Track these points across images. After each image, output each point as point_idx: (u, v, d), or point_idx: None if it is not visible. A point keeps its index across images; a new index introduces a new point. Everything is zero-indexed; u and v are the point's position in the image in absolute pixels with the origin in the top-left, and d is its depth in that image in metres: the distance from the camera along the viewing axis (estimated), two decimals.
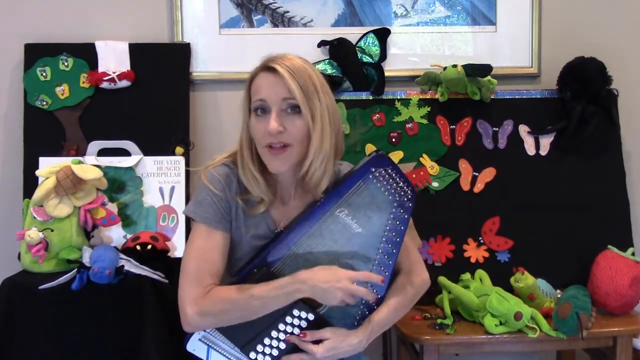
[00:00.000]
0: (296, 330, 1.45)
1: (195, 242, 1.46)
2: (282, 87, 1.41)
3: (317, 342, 1.44)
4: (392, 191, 1.49)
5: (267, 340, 1.45)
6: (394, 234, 1.49)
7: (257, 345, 1.45)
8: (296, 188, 1.54)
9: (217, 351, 1.46)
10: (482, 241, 2.10)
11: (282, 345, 1.45)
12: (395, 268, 1.56)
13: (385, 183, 1.49)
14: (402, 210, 1.50)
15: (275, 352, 1.45)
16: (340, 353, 1.45)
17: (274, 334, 1.45)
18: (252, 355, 1.45)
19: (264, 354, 1.45)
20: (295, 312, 1.44)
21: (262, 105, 1.43)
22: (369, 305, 1.49)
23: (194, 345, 1.46)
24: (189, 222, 2.02)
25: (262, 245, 1.50)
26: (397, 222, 1.50)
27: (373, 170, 1.48)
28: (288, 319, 1.44)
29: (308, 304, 1.45)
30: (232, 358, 1.46)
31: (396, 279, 1.57)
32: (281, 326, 1.45)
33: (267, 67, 1.44)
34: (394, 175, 1.49)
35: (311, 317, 1.45)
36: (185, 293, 1.43)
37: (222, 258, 1.48)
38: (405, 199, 1.50)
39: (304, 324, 1.45)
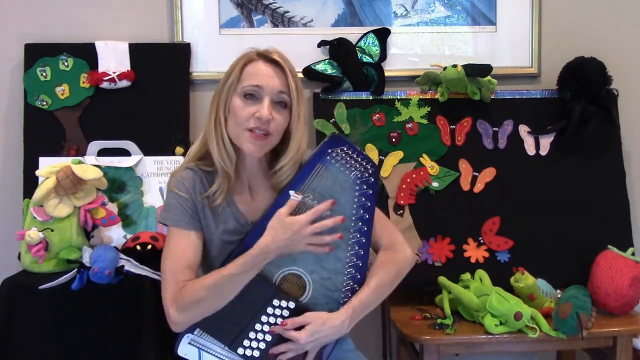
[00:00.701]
0: (279, 321, 1.47)
1: (169, 245, 1.52)
2: (282, 80, 1.48)
3: (299, 328, 1.46)
4: (353, 169, 1.50)
5: (252, 334, 1.47)
6: (362, 211, 1.51)
7: (244, 340, 1.47)
8: (263, 181, 1.57)
9: (208, 352, 1.48)
10: (482, 241, 2.10)
11: (268, 337, 1.47)
12: (375, 245, 1.57)
13: (344, 162, 1.50)
14: (365, 187, 1.51)
15: (262, 345, 1.47)
16: (324, 336, 1.46)
17: (257, 327, 1.47)
18: (240, 350, 1.47)
19: (251, 348, 1.47)
20: (276, 302, 1.47)
21: (255, 91, 1.48)
22: (352, 287, 1.50)
23: (184, 350, 1.48)
24: None
25: (235, 242, 1.52)
26: (364, 199, 1.51)
27: (330, 151, 1.50)
28: (269, 310, 1.47)
29: (290, 293, 1.47)
30: (222, 357, 1.48)
31: (377, 257, 1.57)
32: (264, 318, 1.47)
33: (267, 57, 1.50)
34: (351, 153, 1.50)
35: (292, 305, 1.47)
36: (165, 295, 1.47)
37: (196, 254, 1.52)
38: (367, 175, 1.51)
39: (286, 313, 1.47)
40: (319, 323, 1.45)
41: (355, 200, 1.51)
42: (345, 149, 1.50)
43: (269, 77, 1.48)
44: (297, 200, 1.45)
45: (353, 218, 1.50)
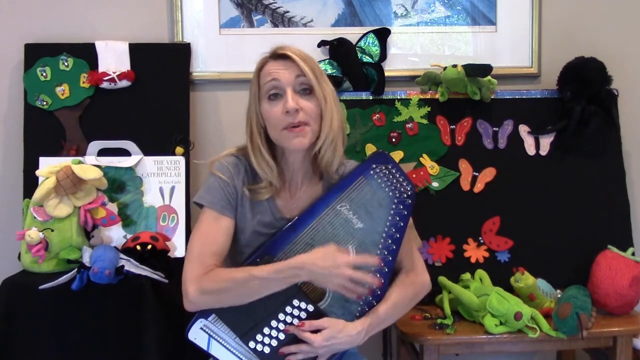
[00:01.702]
0: (295, 321, 1.47)
1: (201, 226, 1.52)
2: (295, 68, 1.49)
3: (315, 332, 1.46)
4: (393, 188, 1.53)
5: (266, 330, 1.47)
6: (394, 230, 1.52)
7: (257, 334, 1.47)
8: (304, 177, 1.58)
9: (218, 341, 1.47)
10: (482, 241, 2.10)
11: (282, 336, 1.47)
12: (396, 267, 1.57)
13: (385, 180, 1.53)
14: (402, 207, 1.53)
15: (274, 343, 1.47)
16: (338, 343, 1.46)
17: (273, 323, 1.47)
18: (252, 344, 1.47)
19: (263, 343, 1.47)
20: (295, 303, 1.47)
21: (276, 86, 1.49)
22: (369, 302, 1.50)
23: (195, 334, 1.47)
24: (189, 222, 2.03)
25: (267, 235, 1.53)
26: (398, 219, 1.52)
27: (374, 166, 1.54)
28: (288, 309, 1.47)
29: (310, 296, 1.47)
30: (231, 348, 1.47)
31: (397, 277, 1.59)
32: (281, 316, 1.47)
33: (276, 54, 1.51)
34: (394, 172, 1.54)
35: (311, 308, 1.47)
36: (187, 272, 1.47)
37: (226, 241, 1.52)
38: (405, 196, 1.53)
39: (303, 315, 1.47)
40: (336, 330, 1.45)
41: (390, 218, 1.53)
42: (389, 167, 1.55)
43: (283, 69, 1.49)
44: (350, 255, 1.44)
45: (384, 235, 1.52)
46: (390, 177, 1.54)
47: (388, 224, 1.52)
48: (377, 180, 1.53)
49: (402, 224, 1.53)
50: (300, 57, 1.49)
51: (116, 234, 1.98)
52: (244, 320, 1.46)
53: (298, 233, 1.48)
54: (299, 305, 1.47)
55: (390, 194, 1.53)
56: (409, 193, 1.54)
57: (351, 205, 1.51)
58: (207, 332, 1.47)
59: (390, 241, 1.52)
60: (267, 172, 1.52)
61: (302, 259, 1.42)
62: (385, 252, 1.52)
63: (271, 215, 1.55)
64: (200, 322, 1.47)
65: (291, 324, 1.47)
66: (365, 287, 1.46)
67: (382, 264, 1.52)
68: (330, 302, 1.49)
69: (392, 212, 1.53)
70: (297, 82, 1.48)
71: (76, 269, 1.68)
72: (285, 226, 1.51)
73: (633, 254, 2.00)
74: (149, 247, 1.83)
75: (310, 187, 1.59)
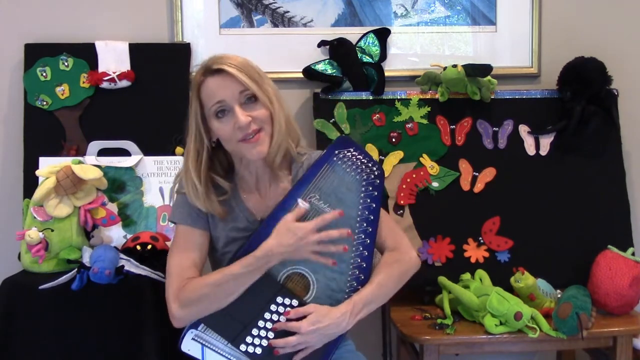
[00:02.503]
0: (282, 318, 1.47)
1: (175, 242, 1.55)
2: (235, 83, 1.47)
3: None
4: (359, 170, 1.53)
5: (255, 331, 1.47)
6: (367, 212, 1.52)
7: (247, 336, 1.47)
8: (270, 177, 1.59)
9: (211, 349, 1.48)
10: (482, 241, 2.10)
11: (271, 335, 1.48)
12: (380, 247, 1.59)
13: (350, 164, 1.53)
14: (371, 188, 1.53)
15: (264, 342, 1.48)
16: (325, 327, 1.46)
17: (260, 323, 1.48)
18: (243, 347, 1.47)
19: (254, 344, 1.47)
20: (279, 300, 1.48)
21: (223, 107, 1.48)
22: (355, 288, 1.51)
23: (188, 345, 1.48)
24: None
25: (243, 238, 1.54)
26: (369, 200, 1.53)
27: (337, 152, 1.53)
28: (273, 307, 1.48)
29: (294, 292, 1.48)
30: (225, 354, 1.48)
31: (382, 257, 1.59)
32: (267, 315, 1.48)
33: (211, 70, 1.49)
34: (357, 154, 1.54)
35: (295, 303, 1.48)
36: (168, 291, 1.49)
37: (201, 253, 1.55)
38: (373, 177, 1.53)
39: (289, 310, 1.48)
40: (321, 314, 1.46)
41: (361, 201, 1.52)
42: (352, 150, 1.54)
43: (224, 87, 1.47)
44: (305, 208, 1.46)
45: (358, 219, 1.52)
46: (354, 159, 1.53)
47: (360, 207, 1.52)
48: (341, 166, 1.52)
49: (374, 205, 1.53)
50: (237, 69, 1.47)
51: (116, 234, 1.98)
52: (233, 324, 1.47)
53: (271, 231, 1.47)
54: (283, 302, 1.48)
55: (357, 177, 1.53)
56: (376, 173, 1.53)
57: (321, 195, 1.50)
58: (199, 342, 1.48)
59: (365, 224, 1.52)
60: (194, 197, 1.51)
61: (266, 245, 1.43)
62: (363, 236, 1.52)
63: (245, 220, 1.56)
64: (191, 333, 1.48)
65: (278, 321, 1.47)
66: (337, 246, 1.46)
67: (361, 247, 1.51)
68: (316, 294, 1.50)
69: (362, 194, 1.52)
70: (241, 96, 1.48)
71: (76, 269, 1.68)
72: (259, 227, 1.51)
73: (633, 254, 2.00)
74: (149, 247, 1.83)
75: (280, 183, 1.59)
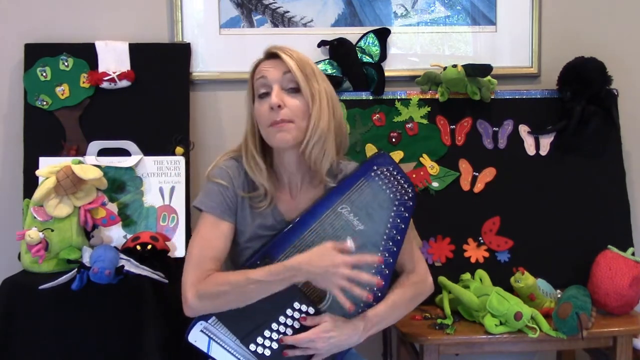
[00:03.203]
0: (296, 324, 1.47)
1: (200, 231, 1.52)
2: (283, 65, 1.49)
3: None
4: (394, 190, 1.52)
5: (267, 333, 1.47)
6: (395, 232, 1.52)
7: (258, 337, 1.47)
8: (303, 179, 1.58)
9: (218, 343, 1.47)
10: (482, 241, 2.10)
11: None
12: (398, 269, 1.58)
13: (387, 181, 1.52)
14: (403, 209, 1.52)
15: (275, 345, 1.47)
16: (336, 339, 1.46)
17: (274, 326, 1.47)
18: (252, 347, 1.46)
19: (263, 346, 1.47)
20: (296, 305, 1.47)
21: (264, 83, 1.50)
22: (369, 304, 1.50)
23: (195, 336, 1.47)
24: (189, 222, 2.03)
25: (267, 236, 1.53)
26: (399, 221, 1.52)
27: (375, 168, 1.53)
28: (289, 312, 1.47)
29: (310, 298, 1.47)
30: (232, 351, 1.47)
31: (398, 278, 1.59)
32: (282, 319, 1.47)
33: (268, 53, 1.54)
34: (395, 174, 1.53)
35: (311, 310, 1.47)
36: (186, 277, 1.47)
37: (225, 246, 1.52)
38: (407, 198, 1.53)
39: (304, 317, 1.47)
40: (334, 324, 1.46)
41: (391, 220, 1.53)
42: (390, 169, 1.54)
43: (272, 67, 1.50)
44: (350, 249, 1.43)
45: (384, 237, 1.52)
46: (392, 178, 1.54)
47: (389, 225, 1.52)
48: (378, 182, 1.53)
49: (402, 226, 1.53)
50: (290, 56, 1.50)
51: (116, 234, 1.98)
52: (245, 322, 1.46)
53: (298, 235, 1.48)
54: (299, 308, 1.47)
55: (392, 195, 1.53)
56: (410, 195, 1.54)
57: (352, 207, 1.50)
58: (207, 335, 1.47)
59: (391, 243, 1.52)
60: (257, 173, 1.52)
61: (298, 259, 1.41)
62: (386, 254, 1.52)
63: (272, 218, 1.55)
64: (200, 325, 1.47)
65: (292, 326, 1.47)
66: (365, 288, 1.45)
67: (383, 265, 1.51)
68: (331, 304, 1.49)
69: (392, 214, 1.52)
70: (284, 79, 1.49)
71: (76, 269, 1.68)
72: (286, 228, 1.50)
73: (633, 254, 2.00)
74: (149, 247, 1.83)
75: (311, 188, 1.58)
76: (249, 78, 1.55)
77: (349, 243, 1.45)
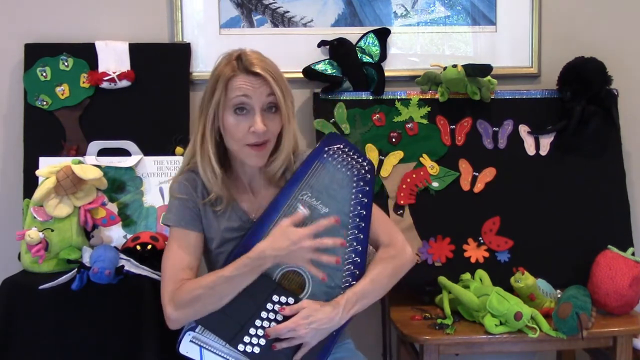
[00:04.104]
0: (279, 316, 1.47)
1: (170, 245, 1.54)
2: (266, 87, 1.48)
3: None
4: (349, 166, 1.53)
5: (252, 331, 1.47)
6: (359, 208, 1.52)
7: (244, 336, 1.47)
8: (263, 180, 1.60)
9: (209, 350, 1.48)
10: (482, 241, 2.10)
11: None
12: (375, 243, 1.59)
13: (340, 160, 1.53)
14: (362, 184, 1.53)
15: (262, 341, 1.47)
16: (317, 321, 1.46)
17: (257, 323, 1.48)
18: (241, 347, 1.47)
19: (251, 344, 1.47)
20: (275, 298, 1.48)
21: (245, 102, 1.48)
22: (351, 284, 1.51)
23: (186, 348, 1.48)
24: None
25: (237, 238, 1.54)
26: (361, 196, 1.53)
27: (327, 149, 1.53)
28: (269, 306, 1.47)
29: (289, 290, 1.48)
30: (223, 355, 1.48)
31: (376, 254, 1.59)
32: (263, 314, 1.47)
33: (248, 70, 1.49)
34: (347, 150, 1.54)
35: (291, 301, 1.48)
36: (163, 293, 1.49)
37: (196, 255, 1.54)
38: (364, 171, 1.53)
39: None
40: (313, 308, 1.46)
41: (353, 197, 1.52)
42: (341, 146, 1.54)
43: (256, 88, 1.48)
44: (303, 214, 1.45)
45: (350, 215, 1.52)
46: (345, 156, 1.53)
47: (352, 203, 1.52)
48: (332, 162, 1.53)
49: (366, 200, 1.53)
50: (272, 76, 1.48)
51: (116, 234, 1.98)
52: (229, 324, 1.47)
53: (265, 230, 1.48)
54: (279, 300, 1.48)
55: (349, 173, 1.53)
56: (367, 168, 1.53)
57: (312, 192, 1.50)
58: (197, 344, 1.48)
59: (358, 219, 1.52)
60: (212, 181, 1.52)
61: (260, 247, 1.43)
62: (356, 232, 1.52)
63: (238, 220, 1.56)
64: (188, 335, 1.48)
65: (275, 319, 1.47)
66: (333, 255, 1.45)
67: (355, 244, 1.52)
68: (312, 291, 1.50)
69: (354, 190, 1.52)
70: (266, 100, 1.49)
71: (76, 269, 1.68)
72: (252, 226, 1.51)
73: (633, 254, 2.00)
74: (149, 247, 1.83)
75: (272, 184, 1.59)
76: (221, 84, 1.50)
77: (300, 211, 1.46)
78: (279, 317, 1.47)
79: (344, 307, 1.48)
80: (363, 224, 1.52)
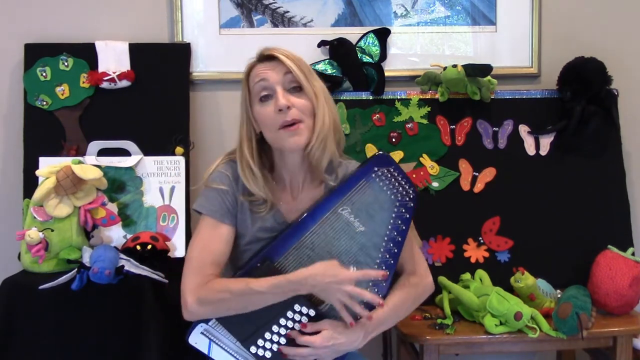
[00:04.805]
0: (297, 326, 1.46)
1: (200, 234, 1.51)
2: (282, 66, 1.49)
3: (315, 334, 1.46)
4: (395, 191, 1.52)
5: (267, 335, 1.46)
6: (395, 233, 1.51)
7: (258, 339, 1.46)
8: (304, 179, 1.58)
9: (219, 345, 1.47)
10: (482, 241, 2.10)
11: (283, 340, 1.47)
12: (399, 269, 1.58)
13: (387, 182, 1.52)
14: (404, 210, 1.52)
15: (275, 347, 1.47)
16: (339, 344, 1.46)
17: (275, 328, 1.46)
18: (253, 349, 1.46)
19: (264, 348, 1.46)
20: (297, 308, 1.46)
21: (265, 86, 1.49)
22: (370, 304, 1.49)
23: (196, 339, 1.47)
24: (189, 222, 2.03)
25: (267, 238, 1.53)
26: (399, 222, 1.52)
27: (376, 169, 1.52)
28: (289, 314, 1.46)
29: (310, 300, 1.47)
30: (232, 352, 1.47)
31: (399, 279, 1.58)
32: (282, 321, 1.46)
33: (262, 56, 1.52)
34: (396, 175, 1.52)
35: (312, 313, 1.47)
36: (186, 282, 1.47)
37: (226, 250, 1.52)
38: (407, 199, 1.52)
39: (305, 319, 1.47)
40: (336, 331, 1.45)
41: (391, 221, 1.52)
42: (391, 170, 1.53)
43: (270, 69, 1.49)
44: (355, 273, 1.43)
45: (385, 238, 1.51)
46: (392, 179, 1.53)
47: (390, 227, 1.52)
48: (379, 184, 1.52)
49: (404, 227, 1.53)
50: (287, 56, 1.49)
51: (116, 234, 1.98)
52: (245, 325, 1.46)
53: (299, 237, 1.47)
54: (300, 310, 1.46)
55: (392, 197, 1.52)
56: (412, 196, 1.54)
57: (352, 209, 1.50)
58: (207, 337, 1.47)
59: (392, 244, 1.51)
60: (252, 182, 1.51)
61: (303, 273, 1.40)
62: (387, 255, 1.51)
63: (273, 220, 1.55)
64: (200, 327, 1.47)
65: (292, 328, 1.46)
66: (365, 312, 1.45)
67: (384, 267, 1.51)
68: (331, 305, 1.48)
69: (393, 215, 1.52)
70: (285, 80, 1.48)
71: (76, 269, 1.68)
72: (286, 230, 1.50)
73: (633, 254, 2.00)
74: (149, 247, 1.83)
75: (312, 188, 1.58)
76: (244, 81, 1.54)
77: (352, 270, 1.45)
78: (297, 327, 1.46)
79: (365, 332, 1.48)
80: (396, 250, 1.52)
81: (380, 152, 1.58)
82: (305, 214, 1.50)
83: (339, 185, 1.53)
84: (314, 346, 1.44)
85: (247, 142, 1.53)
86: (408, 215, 1.53)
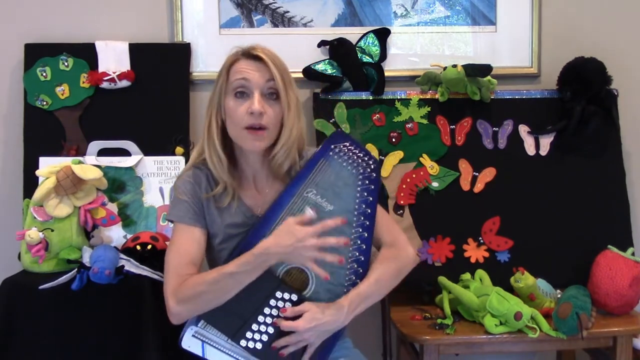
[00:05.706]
0: (281, 314, 1.47)
1: (174, 240, 1.55)
2: (266, 71, 1.50)
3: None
4: (355, 164, 1.54)
5: (255, 326, 1.47)
6: (364, 206, 1.53)
7: (247, 332, 1.47)
8: (267, 175, 1.59)
9: (211, 345, 1.48)
10: (482, 241, 2.10)
11: (271, 330, 1.48)
12: (377, 243, 1.59)
13: (346, 158, 1.54)
14: (368, 182, 1.54)
15: (265, 337, 1.48)
16: (322, 324, 1.46)
17: (260, 319, 1.48)
18: (243, 342, 1.47)
19: (254, 340, 1.47)
20: (279, 294, 1.48)
21: (245, 85, 1.50)
22: (354, 282, 1.51)
23: (188, 342, 1.48)
24: None
25: (240, 235, 1.55)
26: (366, 194, 1.54)
27: (332, 147, 1.55)
28: (272, 302, 1.47)
29: (293, 287, 1.48)
30: (226, 350, 1.48)
31: (379, 253, 1.59)
32: (266, 310, 1.48)
33: (249, 54, 1.53)
34: (353, 149, 1.55)
35: (295, 297, 1.48)
36: (166, 287, 1.49)
37: (200, 250, 1.54)
38: (369, 170, 1.54)
39: (288, 305, 1.48)
40: (317, 311, 1.46)
41: (358, 195, 1.53)
42: (347, 144, 1.55)
43: (255, 70, 1.50)
44: (310, 217, 1.44)
45: (355, 213, 1.52)
46: (350, 154, 1.54)
47: (357, 201, 1.53)
48: (337, 160, 1.53)
49: (371, 199, 1.53)
50: (274, 63, 1.50)
51: (116, 234, 1.99)
52: (232, 320, 1.47)
53: (270, 227, 1.48)
54: (282, 297, 1.48)
55: (354, 171, 1.54)
56: (372, 166, 1.54)
57: (318, 190, 1.51)
58: (199, 339, 1.48)
59: (363, 217, 1.52)
60: (217, 166, 1.53)
61: (264, 244, 1.42)
62: (360, 230, 1.52)
63: (242, 215, 1.56)
64: (191, 330, 1.48)
65: (278, 316, 1.47)
66: (337, 255, 1.45)
67: (360, 242, 1.52)
68: (315, 288, 1.50)
69: (359, 188, 1.53)
70: (266, 85, 1.50)
71: (76, 269, 1.68)
72: (256, 223, 1.52)
73: (633, 254, 2.00)
74: (149, 247, 1.83)
75: (277, 182, 1.59)
76: (223, 70, 1.54)
77: (308, 212, 1.45)
78: (282, 314, 1.47)
79: (348, 309, 1.48)
80: (368, 222, 1.53)
81: (335, 130, 1.60)
82: (273, 204, 1.52)
83: (301, 170, 1.55)
84: (297, 330, 1.45)
85: (216, 127, 1.54)
86: (373, 187, 1.54)
